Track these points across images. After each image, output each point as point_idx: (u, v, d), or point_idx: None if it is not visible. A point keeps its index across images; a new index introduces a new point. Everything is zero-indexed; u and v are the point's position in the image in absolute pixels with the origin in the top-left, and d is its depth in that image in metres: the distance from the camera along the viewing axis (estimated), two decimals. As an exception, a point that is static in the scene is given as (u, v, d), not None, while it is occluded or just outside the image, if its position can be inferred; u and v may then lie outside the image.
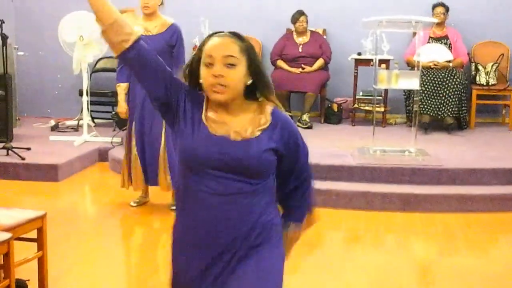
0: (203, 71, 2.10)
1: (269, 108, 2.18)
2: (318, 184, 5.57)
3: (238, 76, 2.09)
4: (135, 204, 5.39)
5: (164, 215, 5.22)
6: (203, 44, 2.14)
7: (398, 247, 4.74)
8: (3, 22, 6.31)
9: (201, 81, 2.11)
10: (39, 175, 6.10)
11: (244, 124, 2.14)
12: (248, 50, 2.13)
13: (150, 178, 5.18)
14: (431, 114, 7.23)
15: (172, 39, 5.00)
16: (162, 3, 5.14)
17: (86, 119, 7.24)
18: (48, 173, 6.11)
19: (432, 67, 7.32)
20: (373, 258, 4.47)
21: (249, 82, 2.12)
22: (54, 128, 7.72)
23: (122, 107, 5.26)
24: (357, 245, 4.81)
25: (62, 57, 7.67)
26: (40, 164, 6.15)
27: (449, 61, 7.43)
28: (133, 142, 5.15)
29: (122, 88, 5.23)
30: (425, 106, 7.18)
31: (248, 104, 2.17)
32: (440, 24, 7.57)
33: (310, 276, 4.05)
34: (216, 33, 2.17)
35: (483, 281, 4.06)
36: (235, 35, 2.15)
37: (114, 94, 8.09)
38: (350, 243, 4.85)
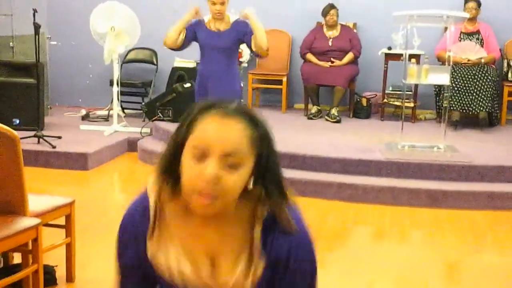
0: (188, 164, 1.43)
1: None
2: (345, 178, 5.60)
3: (240, 183, 1.44)
4: None
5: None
6: (193, 119, 1.45)
7: (424, 244, 4.72)
8: (36, 12, 6.38)
9: (181, 176, 1.45)
10: (69, 164, 6.18)
11: (229, 258, 1.51)
12: (262, 142, 1.47)
13: None
14: (461, 110, 7.15)
15: (239, 32, 5.17)
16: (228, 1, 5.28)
17: (116, 109, 7.31)
18: (78, 161, 6.19)
19: (463, 63, 7.25)
20: (399, 253, 4.46)
21: (250, 187, 1.48)
22: (85, 118, 7.81)
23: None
24: (383, 240, 4.79)
25: (93, 47, 7.74)
26: (70, 153, 6.23)
27: (481, 58, 7.34)
28: None
29: None
30: (455, 102, 7.10)
31: (240, 212, 1.52)
32: (472, 19, 7.48)
33: (336, 270, 4.05)
34: (215, 104, 1.47)
35: (511, 280, 4.02)
36: (246, 115, 1.46)
37: (144, 84, 8.18)
38: (376, 238, 4.84)
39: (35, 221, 3.24)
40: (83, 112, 7.96)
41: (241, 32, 5.16)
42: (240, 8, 5.32)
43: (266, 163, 1.47)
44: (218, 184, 1.39)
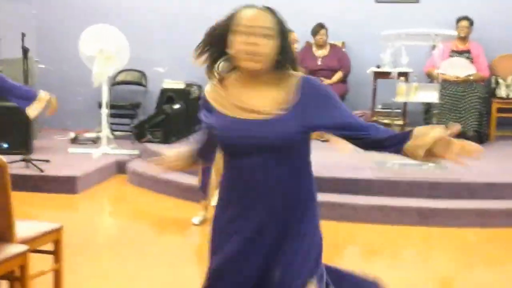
0: (235, 38, 2.10)
1: (295, 80, 2.19)
2: (336, 198, 5.58)
3: (273, 48, 2.11)
4: (197, 222, 5.30)
5: (184, 229, 5.24)
6: (233, 14, 2.15)
7: (415, 262, 4.70)
8: (25, 35, 6.38)
9: (229, 50, 2.13)
10: (57, 188, 6.15)
11: (266, 102, 2.15)
12: (281, 25, 2.16)
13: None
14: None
15: None
16: None
17: (105, 131, 7.29)
18: (66, 185, 6.15)
19: (452, 81, 7.28)
20: (391, 272, 4.43)
21: (277, 57, 2.14)
22: (74, 141, 7.79)
23: None
24: (375, 259, 4.77)
25: (82, 70, 7.73)
26: (58, 177, 6.20)
27: (470, 75, 7.38)
28: None
29: None
30: (444, 120, 7.12)
31: (274, 79, 2.18)
32: (464, 38, 7.53)
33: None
34: (246, 6, 2.18)
35: (502, 297, 4.01)
36: (269, 9, 2.17)
37: (134, 106, 8.17)
38: (367, 257, 4.82)
39: (23, 247, 3.20)
40: (72, 135, 7.93)
41: None
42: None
43: (284, 42, 2.15)
44: (259, 47, 2.08)
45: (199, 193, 5.25)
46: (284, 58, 2.17)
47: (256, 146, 2.12)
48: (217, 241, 2.35)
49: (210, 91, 2.24)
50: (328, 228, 5.13)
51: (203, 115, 2.26)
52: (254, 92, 2.17)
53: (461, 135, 7.41)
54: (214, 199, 5.19)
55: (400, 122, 7.40)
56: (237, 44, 2.10)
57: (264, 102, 2.14)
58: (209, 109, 2.22)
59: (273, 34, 2.11)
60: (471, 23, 7.59)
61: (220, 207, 2.33)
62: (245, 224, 2.22)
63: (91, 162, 6.78)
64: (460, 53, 7.60)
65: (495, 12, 7.87)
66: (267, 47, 2.09)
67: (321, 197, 5.62)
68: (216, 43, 2.18)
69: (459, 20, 7.61)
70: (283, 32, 2.16)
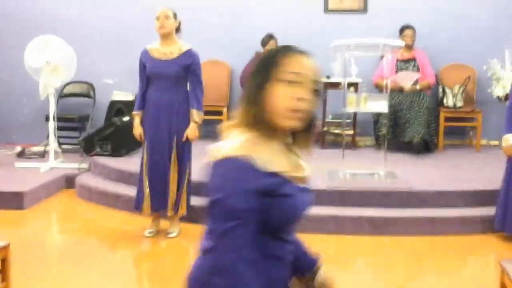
0: (281, 89, 1.72)
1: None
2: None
3: (315, 104, 1.80)
4: (150, 234, 5.26)
5: (134, 241, 5.16)
6: (275, 56, 1.76)
7: (368, 271, 4.73)
8: (-33, 48, 6.22)
9: (271, 102, 1.72)
10: (4, 203, 5.98)
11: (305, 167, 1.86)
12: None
13: (157, 204, 5.14)
14: (399, 137, 7.29)
15: (188, 64, 5.04)
16: (179, 30, 5.17)
17: (53, 145, 7.15)
18: (13, 201, 6.00)
19: (400, 91, 7.40)
20: (344, 282, 4.41)
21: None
22: (20, 155, 7.61)
23: (137, 130, 5.20)
24: (328, 269, 4.76)
25: (28, 82, 7.58)
26: (5, 192, 6.04)
27: (417, 81, 7.50)
28: (145, 166, 5.12)
29: (138, 116, 5.19)
30: (392, 129, 7.22)
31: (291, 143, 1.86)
32: (409, 47, 7.65)
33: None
34: (290, 47, 1.80)
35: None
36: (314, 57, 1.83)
37: (81, 119, 8.03)
38: (321, 268, 4.81)
39: (-33, 267, 3.10)
40: (18, 149, 7.75)
41: (192, 64, 5.05)
42: (185, 38, 5.28)
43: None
44: (308, 104, 1.74)
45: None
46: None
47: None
48: None
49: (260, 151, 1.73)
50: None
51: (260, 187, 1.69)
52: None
53: (408, 143, 7.54)
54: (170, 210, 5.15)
55: (351, 132, 7.46)
56: (282, 96, 1.71)
57: (304, 167, 1.86)
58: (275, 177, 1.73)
59: (320, 90, 1.81)
60: (414, 31, 7.71)
61: None
62: None
63: (38, 176, 6.63)
64: (406, 61, 7.71)
65: (441, 23, 8.02)
66: (315, 105, 1.78)
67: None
68: (257, 96, 1.75)
69: (403, 29, 7.73)
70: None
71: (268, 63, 1.76)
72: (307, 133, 1.84)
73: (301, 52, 1.78)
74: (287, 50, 1.77)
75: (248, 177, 1.66)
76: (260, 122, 1.73)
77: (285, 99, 1.71)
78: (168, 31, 5.08)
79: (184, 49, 5.10)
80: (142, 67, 5.14)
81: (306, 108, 1.73)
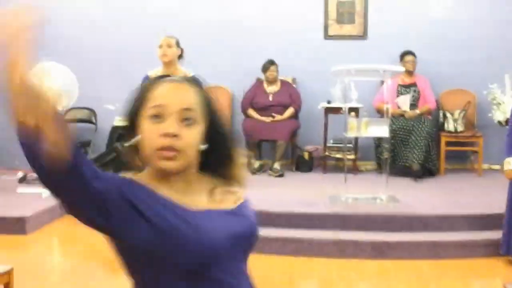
0: (147, 127, 1.52)
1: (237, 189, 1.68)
2: (290, 233, 5.57)
3: (196, 138, 1.53)
4: None
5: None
6: (145, 89, 1.57)
7: (372, 296, 4.71)
8: (-29, 74, 6.25)
9: (142, 144, 1.54)
10: (6, 228, 5.97)
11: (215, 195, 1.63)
12: (211, 106, 1.60)
13: None
14: (400, 162, 7.31)
15: None
16: (182, 57, 5.23)
17: (55, 170, 7.15)
18: (15, 226, 5.99)
19: (400, 115, 7.44)
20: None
21: (203, 147, 1.57)
22: (22, 180, 7.61)
23: None
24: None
25: (30, 108, 7.60)
26: (7, 217, 6.03)
27: (416, 106, 7.54)
28: None
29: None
30: (395, 154, 7.24)
31: (204, 181, 1.63)
32: (410, 72, 7.70)
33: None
34: (159, 78, 1.61)
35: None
36: (193, 80, 1.61)
37: (83, 144, 8.05)
38: (323, 292, 4.81)
39: (-29, 291, 3.10)
40: (20, 174, 7.75)
41: None
42: (186, 64, 5.32)
43: (216, 125, 1.59)
44: (178, 138, 1.49)
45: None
46: (216, 152, 1.61)
47: None
48: None
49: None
50: (283, 263, 5.15)
51: None
52: None
53: (407, 168, 7.56)
54: None
55: (352, 157, 7.48)
56: (148, 135, 1.52)
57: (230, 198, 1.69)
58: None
59: (197, 118, 1.54)
60: (415, 57, 7.77)
61: None
62: None
63: (40, 201, 6.61)
64: (406, 86, 7.75)
65: (441, 48, 8.07)
66: (189, 138, 1.52)
67: (276, 232, 5.66)
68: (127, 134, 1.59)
69: (403, 54, 7.78)
70: (213, 113, 1.60)
71: (134, 100, 1.58)
72: (222, 166, 1.64)
73: (170, 81, 1.57)
74: (154, 82, 1.59)
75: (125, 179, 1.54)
76: (146, 164, 1.57)
77: (151, 138, 1.51)
78: (170, 59, 5.15)
79: (188, 74, 5.14)
80: None
81: (177, 144, 1.49)
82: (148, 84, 1.58)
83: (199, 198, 1.57)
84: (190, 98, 1.54)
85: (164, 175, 1.54)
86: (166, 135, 1.48)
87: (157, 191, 1.53)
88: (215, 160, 1.61)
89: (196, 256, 1.47)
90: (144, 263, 1.52)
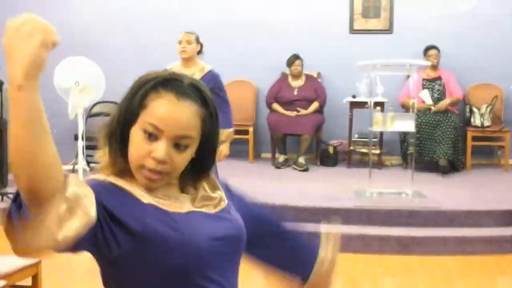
0: (138, 141, 1.44)
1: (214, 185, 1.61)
2: (315, 227, 5.53)
3: (186, 161, 1.48)
4: None
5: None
6: (147, 93, 1.46)
7: (396, 291, 4.70)
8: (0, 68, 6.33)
9: (129, 147, 1.46)
10: (34, 221, 6.05)
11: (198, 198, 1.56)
12: (210, 120, 1.51)
13: None
14: (426, 156, 7.27)
15: (210, 84, 5.05)
16: (201, 52, 5.24)
17: (82, 164, 7.22)
18: (43, 218, 6.06)
19: (427, 109, 7.40)
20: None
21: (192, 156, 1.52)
22: (49, 173, 7.69)
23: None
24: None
25: (57, 102, 7.67)
26: (35, 210, 6.10)
27: (442, 98, 7.50)
28: None
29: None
30: (419, 149, 7.20)
31: (186, 184, 1.57)
32: (434, 66, 7.65)
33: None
34: (169, 80, 1.48)
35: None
36: (199, 95, 1.49)
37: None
38: (348, 287, 4.80)
39: (0, 283, 3.15)
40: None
41: (215, 85, 5.06)
42: (204, 58, 5.33)
43: (210, 141, 1.51)
44: (167, 163, 1.42)
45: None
46: (202, 161, 1.55)
47: None
48: None
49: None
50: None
51: None
52: None
53: (433, 163, 7.50)
54: None
55: (377, 151, 7.45)
56: (137, 151, 1.45)
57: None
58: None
59: (192, 143, 1.48)
60: (439, 51, 7.71)
61: None
62: None
63: (67, 195, 6.69)
64: (431, 81, 7.70)
65: (467, 42, 8.00)
66: (179, 162, 1.46)
67: (301, 227, 5.61)
68: (120, 130, 1.50)
69: (427, 49, 7.73)
70: (209, 128, 1.51)
71: (137, 100, 1.47)
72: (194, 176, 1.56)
73: (173, 97, 1.44)
74: (162, 86, 1.46)
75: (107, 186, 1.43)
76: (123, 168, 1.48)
77: (139, 154, 1.43)
78: (189, 55, 5.17)
79: (206, 70, 5.16)
80: None
81: (164, 168, 1.43)
82: (153, 89, 1.46)
83: (183, 200, 1.52)
84: (188, 123, 1.44)
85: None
86: (155, 159, 1.41)
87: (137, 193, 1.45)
88: (198, 167, 1.55)
89: (181, 262, 1.41)
90: (129, 272, 1.44)
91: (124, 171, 1.49)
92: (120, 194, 1.43)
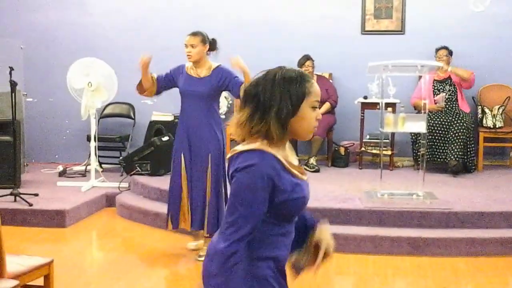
0: (309, 114, 2.11)
1: None
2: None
3: None
4: (193, 247, 5.41)
5: (173, 259, 5.21)
6: (307, 82, 2.11)
7: (407, 292, 4.69)
8: (13, 69, 6.38)
9: (300, 123, 2.10)
10: (46, 221, 6.10)
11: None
12: None
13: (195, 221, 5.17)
14: (438, 158, 7.25)
15: (218, 79, 5.13)
16: (214, 48, 5.27)
17: (94, 164, 7.27)
18: (55, 219, 6.11)
19: (439, 110, 7.38)
20: (383, 303, 4.42)
21: None
22: (62, 174, 7.75)
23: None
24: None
25: (70, 103, 7.74)
26: (47, 210, 6.16)
27: (455, 101, 7.47)
28: (183, 181, 5.17)
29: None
30: (429, 150, 7.18)
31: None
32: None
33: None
34: (307, 76, 2.15)
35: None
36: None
37: (122, 139, 8.16)
38: (359, 288, 4.81)
39: (13, 283, 3.18)
40: (60, 168, 7.90)
41: (223, 77, 5.11)
42: (213, 58, 5.35)
43: None
44: None
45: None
46: None
47: None
48: None
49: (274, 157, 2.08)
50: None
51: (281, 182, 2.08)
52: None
53: (445, 165, 7.46)
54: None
55: (388, 153, 7.44)
56: (310, 119, 2.12)
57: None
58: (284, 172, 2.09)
59: None
60: (450, 52, 7.68)
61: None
62: None
63: (80, 195, 6.74)
64: (442, 81, 7.67)
65: (479, 43, 7.98)
66: None
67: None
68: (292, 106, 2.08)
69: (438, 49, 7.70)
70: None
71: (300, 93, 2.10)
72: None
73: (313, 77, 2.10)
74: (309, 79, 2.14)
75: (274, 164, 2.05)
76: (280, 139, 2.08)
77: (312, 121, 2.13)
78: (195, 59, 5.14)
79: (213, 67, 5.16)
80: (173, 73, 5.31)
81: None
82: (307, 79, 2.11)
83: (294, 162, 2.15)
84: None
85: (280, 143, 2.09)
86: (318, 120, 2.14)
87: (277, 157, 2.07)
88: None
89: (299, 211, 2.20)
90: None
91: (270, 136, 2.06)
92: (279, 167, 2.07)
